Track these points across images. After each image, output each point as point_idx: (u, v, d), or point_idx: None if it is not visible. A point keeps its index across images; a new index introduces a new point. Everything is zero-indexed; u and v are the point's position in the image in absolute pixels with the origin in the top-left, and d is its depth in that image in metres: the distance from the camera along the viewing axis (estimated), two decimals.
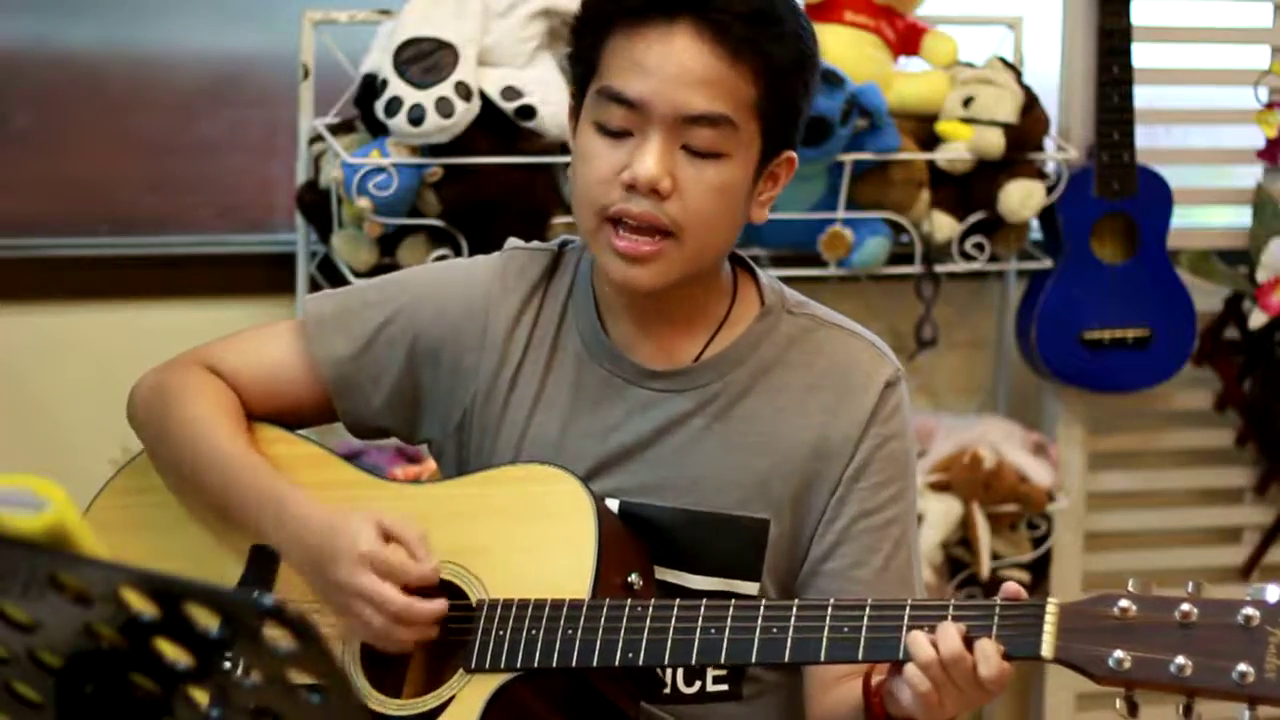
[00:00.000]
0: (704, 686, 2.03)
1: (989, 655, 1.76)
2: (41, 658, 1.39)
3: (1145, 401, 3.82)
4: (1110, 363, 3.65)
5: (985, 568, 3.49)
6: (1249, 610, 1.68)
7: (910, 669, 1.78)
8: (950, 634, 1.77)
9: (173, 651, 1.34)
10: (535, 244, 2.14)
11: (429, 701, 1.93)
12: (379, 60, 3.14)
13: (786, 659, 1.85)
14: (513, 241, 2.15)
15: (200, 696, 1.35)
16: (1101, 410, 3.79)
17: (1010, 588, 1.80)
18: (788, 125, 2.00)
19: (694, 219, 1.93)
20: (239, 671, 1.33)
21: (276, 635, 1.28)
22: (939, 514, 3.45)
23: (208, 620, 1.31)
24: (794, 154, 2.03)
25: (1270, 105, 3.75)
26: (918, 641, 1.78)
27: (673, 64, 1.91)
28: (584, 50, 1.98)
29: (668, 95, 1.90)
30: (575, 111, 2.01)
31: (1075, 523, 3.77)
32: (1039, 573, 3.65)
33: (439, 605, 1.93)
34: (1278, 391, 3.78)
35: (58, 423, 3.27)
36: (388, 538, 1.94)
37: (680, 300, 2.02)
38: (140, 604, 1.32)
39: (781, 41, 1.94)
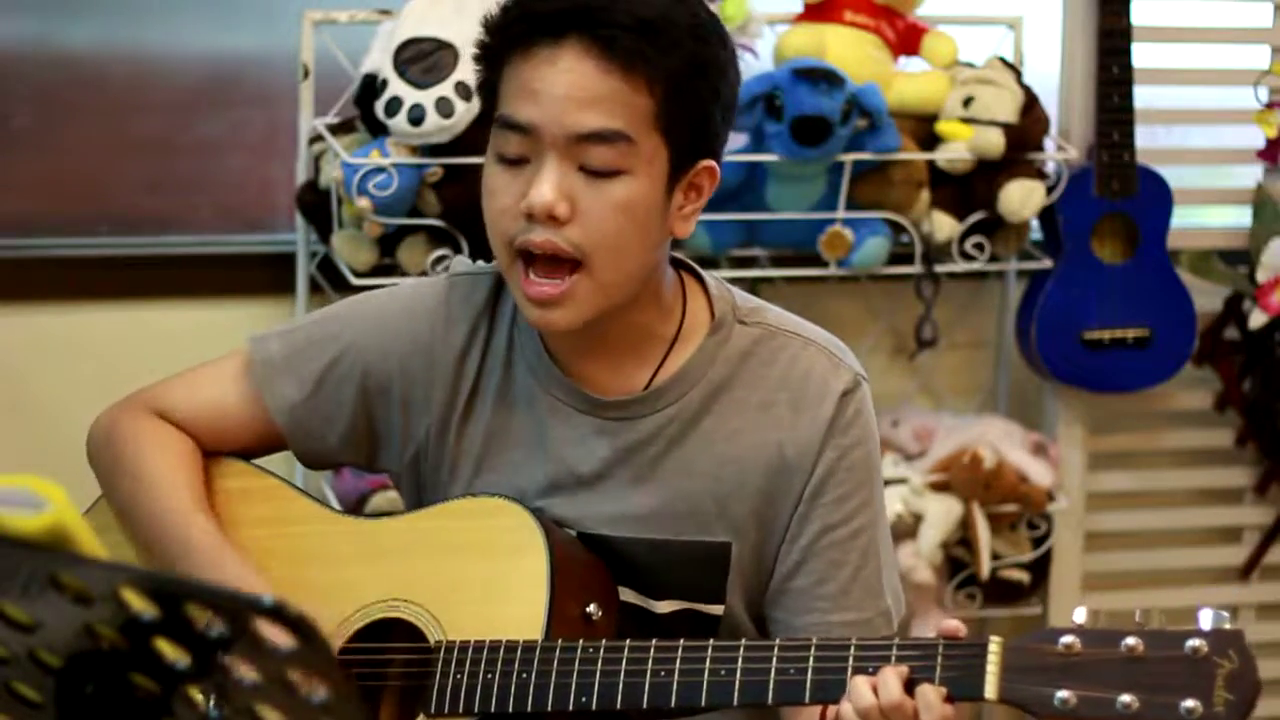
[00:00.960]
0: None
1: (931, 703, 1.73)
2: (41, 658, 1.39)
3: (1145, 401, 3.82)
4: (1110, 363, 3.65)
5: (985, 568, 3.49)
6: (1195, 641, 1.64)
7: (848, 713, 1.75)
8: (890, 681, 1.74)
9: (173, 651, 1.34)
10: (479, 266, 2.10)
11: None
12: (379, 60, 3.14)
13: (735, 702, 1.83)
14: (457, 263, 2.12)
15: (200, 696, 1.35)
16: (1101, 410, 3.79)
17: (948, 626, 1.77)
18: (698, 134, 1.92)
19: (598, 242, 1.88)
20: (238, 671, 1.33)
21: (276, 635, 1.28)
22: (939, 514, 3.45)
23: (208, 620, 1.31)
24: (713, 163, 1.95)
25: (1270, 105, 3.75)
26: (857, 688, 1.75)
27: (560, 84, 1.86)
28: (485, 80, 1.95)
29: (557, 116, 1.86)
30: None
31: (1075, 523, 3.77)
32: (1039, 573, 3.65)
33: None
34: (1278, 391, 3.78)
35: (58, 423, 3.26)
36: None
37: (622, 326, 1.97)
38: (140, 604, 1.32)
39: (675, 50, 1.86)
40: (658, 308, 2.00)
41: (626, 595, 2.00)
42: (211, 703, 1.35)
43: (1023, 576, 3.59)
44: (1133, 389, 3.73)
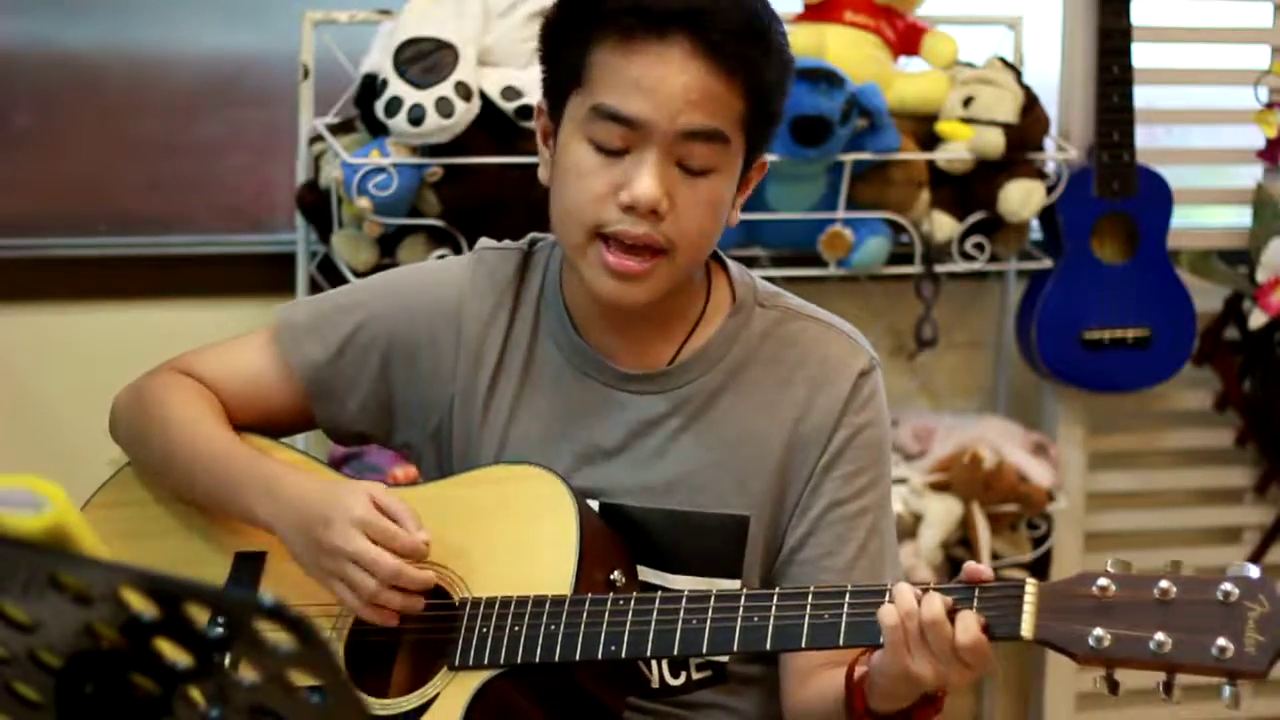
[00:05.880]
0: (689, 676, 2.04)
1: (969, 624, 1.75)
2: (41, 658, 1.39)
3: (1145, 401, 3.82)
4: (1110, 363, 3.65)
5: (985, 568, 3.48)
6: (1227, 586, 1.68)
7: (888, 615, 1.75)
8: (934, 599, 1.76)
9: (173, 651, 1.34)
10: (506, 243, 2.14)
11: (413, 700, 1.93)
12: (379, 60, 3.14)
13: (769, 647, 1.84)
14: (483, 241, 2.15)
15: (200, 696, 1.35)
16: (1101, 410, 3.79)
17: (970, 567, 1.80)
18: (769, 133, 2.00)
19: (687, 236, 1.93)
20: (238, 671, 1.33)
21: (276, 635, 1.28)
22: (939, 514, 3.45)
23: (208, 620, 1.31)
24: (764, 158, 2.02)
25: (1270, 105, 3.75)
26: (903, 592, 1.76)
27: (672, 83, 1.89)
28: (565, 56, 1.95)
29: (669, 114, 1.89)
30: (552, 114, 1.98)
31: (1075, 523, 3.77)
32: (1039, 573, 3.64)
33: (428, 574, 1.93)
34: (1278, 391, 3.78)
35: (57, 423, 3.27)
36: (379, 509, 1.94)
37: (655, 303, 2.00)
38: (140, 604, 1.32)
39: (770, 56, 1.93)
40: (689, 288, 2.05)
41: (645, 575, 2.02)
42: (211, 703, 1.35)
43: (1023, 577, 3.59)
44: (1133, 389, 3.73)
